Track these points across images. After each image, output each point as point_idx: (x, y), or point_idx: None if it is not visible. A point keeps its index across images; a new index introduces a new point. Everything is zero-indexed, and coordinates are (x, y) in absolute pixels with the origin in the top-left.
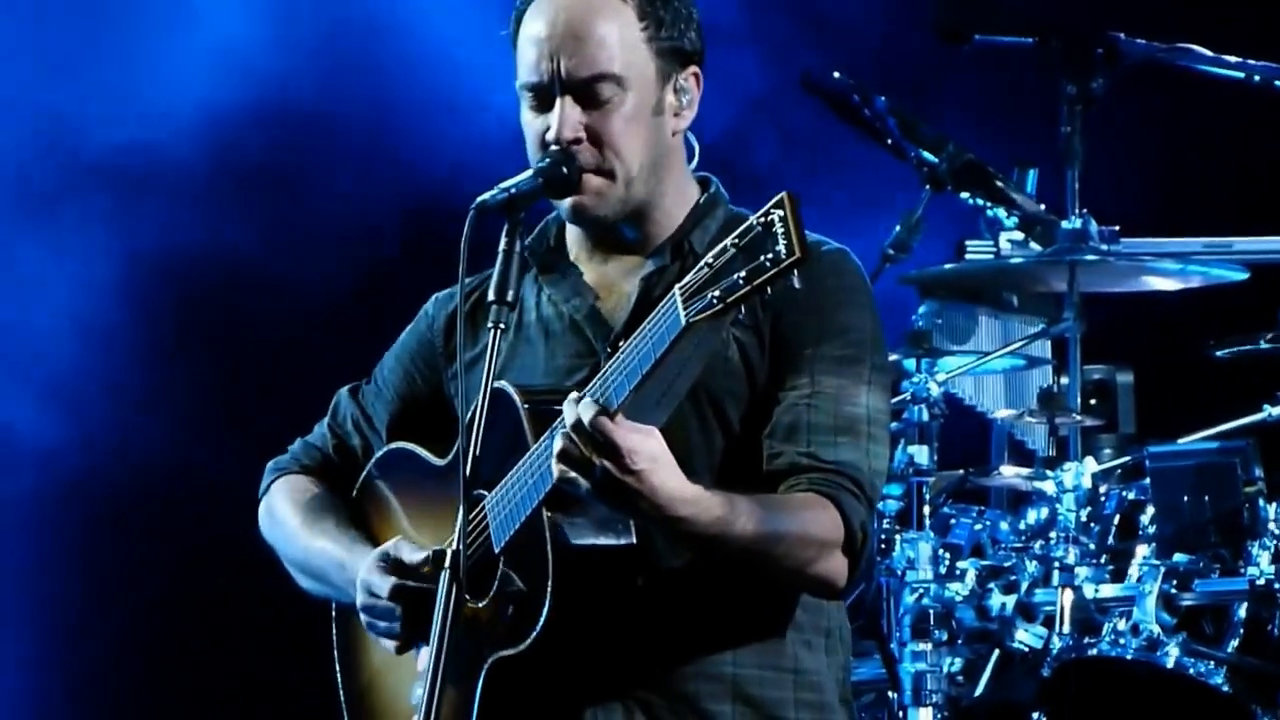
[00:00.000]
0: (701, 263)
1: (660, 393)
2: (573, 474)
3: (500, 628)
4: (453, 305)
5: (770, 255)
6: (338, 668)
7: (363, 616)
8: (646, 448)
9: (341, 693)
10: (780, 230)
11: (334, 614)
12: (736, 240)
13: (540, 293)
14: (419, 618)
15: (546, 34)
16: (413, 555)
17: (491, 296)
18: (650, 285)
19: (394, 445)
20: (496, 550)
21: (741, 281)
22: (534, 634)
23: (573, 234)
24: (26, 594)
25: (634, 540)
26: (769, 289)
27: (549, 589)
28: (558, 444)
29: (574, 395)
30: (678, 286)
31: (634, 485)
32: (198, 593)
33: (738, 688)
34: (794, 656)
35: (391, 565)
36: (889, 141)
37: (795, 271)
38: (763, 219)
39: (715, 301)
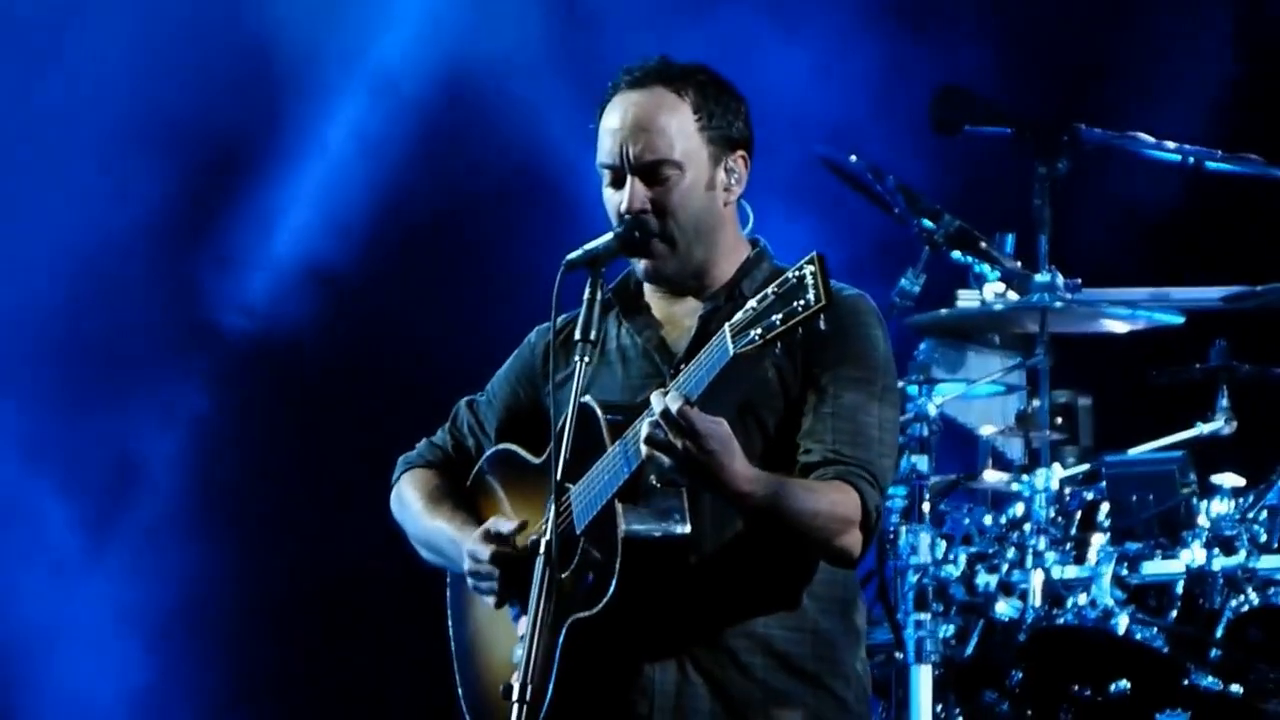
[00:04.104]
0: (747, 305)
1: (715, 406)
2: (658, 453)
3: (579, 594)
4: (550, 336)
5: (802, 302)
6: (450, 623)
7: (469, 579)
8: (720, 432)
9: (452, 643)
10: (811, 282)
11: (449, 580)
12: (776, 289)
13: (620, 326)
14: (512, 579)
15: (618, 126)
16: (507, 526)
17: (578, 335)
18: (707, 321)
19: (500, 446)
20: (578, 531)
21: (779, 322)
22: (605, 600)
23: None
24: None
25: (688, 528)
26: (800, 329)
27: (617, 565)
28: (646, 429)
29: (659, 391)
30: (728, 324)
31: (709, 463)
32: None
33: (768, 644)
34: (814, 620)
35: (493, 537)
36: (896, 211)
37: (822, 316)
38: (797, 273)
39: (757, 338)
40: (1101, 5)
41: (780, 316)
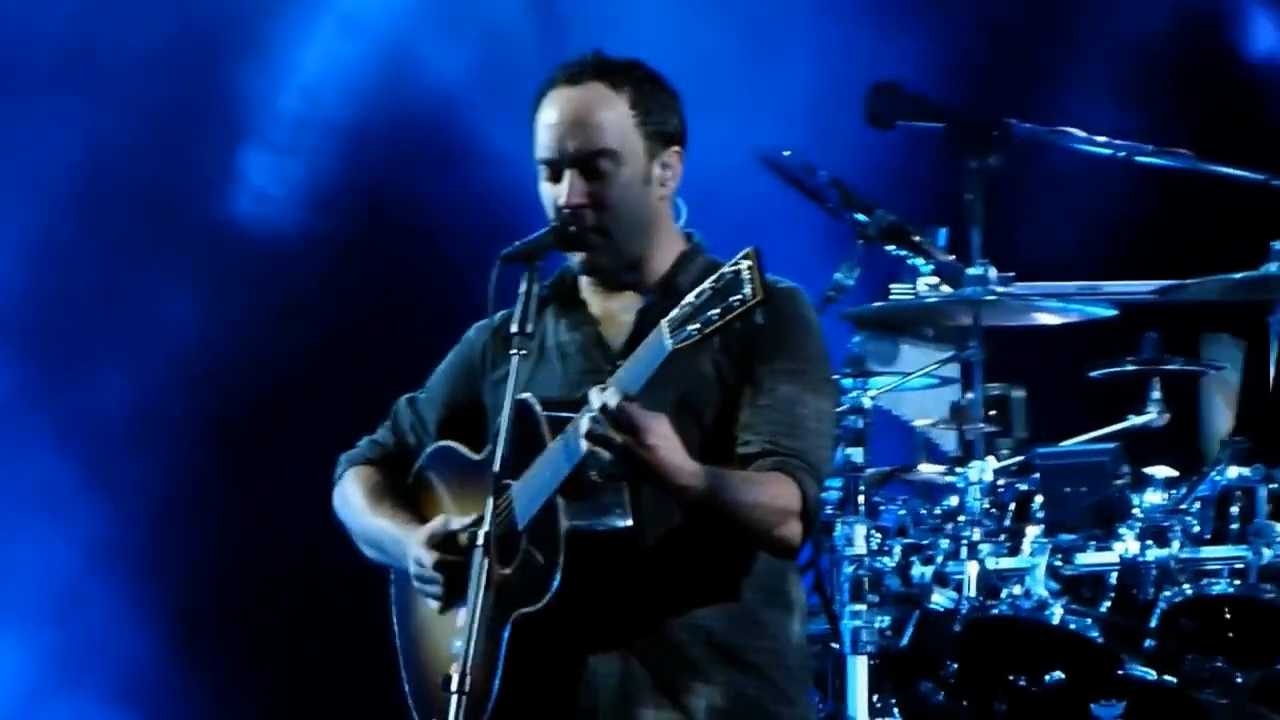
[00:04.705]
0: (684, 301)
1: (654, 400)
2: (598, 449)
3: (522, 590)
4: (488, 333)
5: (739, 297)
6: (394, 619)
7: (413, 582)
8: (659, 427)
9: (396, 639)
10: (747, 277)
11: (392, 577)
12: (713, 284)
13: (558, 323)
14: (457, 583)
15: (557, 120)
16: (455, 524)
17: (514, 329)
18: (644, 317)
19: (440, 443)
20: (520, 528)
21: (716, 316)
22: (549, 595)
23: (583, 276)
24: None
25: (630, 522)
26: (737, 323)
27: (560, 559)
28: (585, 425)
29: (598, 386)
30: (665, 320)
31: (648, 458)
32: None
33: (711, 636)
34: (756, 613)
35: (438, 540)
36: (830, 206)
37: (759, 310)
38: (733, 268)
39: (694, 333)
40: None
41: (717, 311)
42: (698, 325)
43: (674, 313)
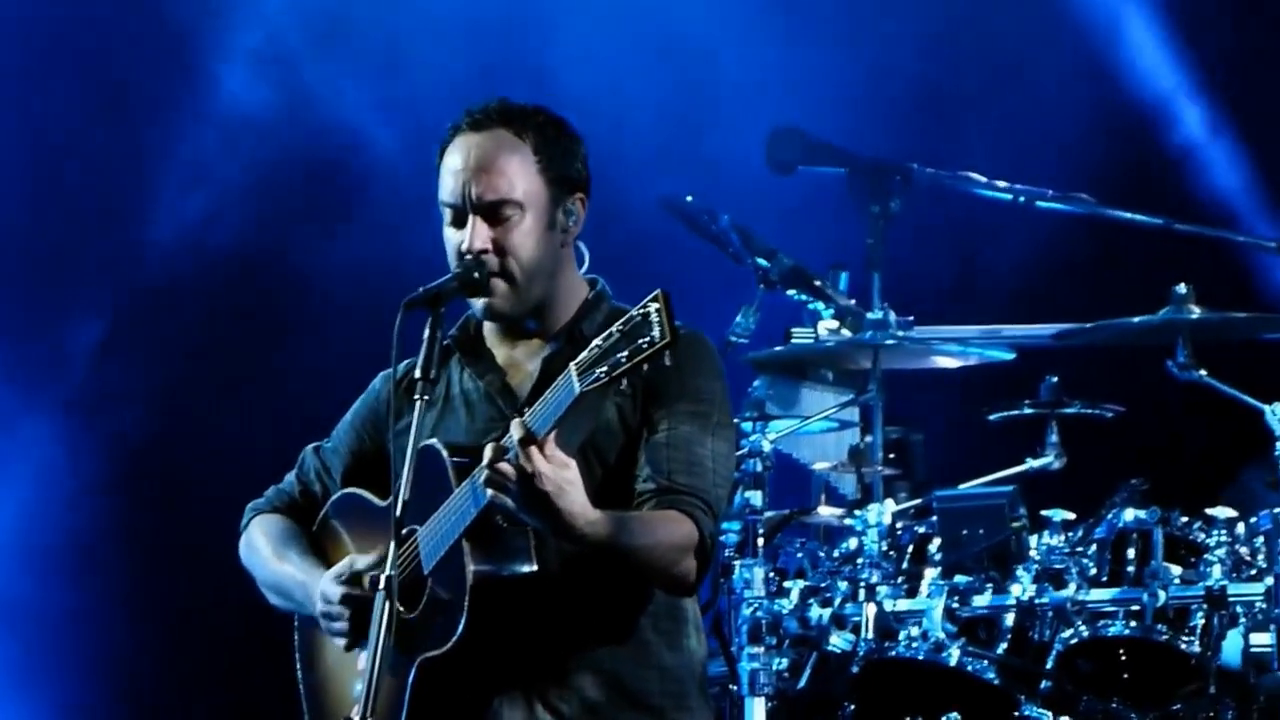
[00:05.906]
0: (593, 344)
1: (561, 443)
2: (499, 495)
3: (428, 633)
4: (392, 380)
5: (647, 339)
6: (298, 667)
7: (321, 620)
8: (562, 473)
9: (301, 686)
10: (655, 320)
11: (296, 624)
12: (621, 327)
13: (462, 371)
14: (363, 621)
15: (461, 166)
16: (360, 563)
17: (418, 375)
18: (549, 364)
19: (346, 490)
20: (426, 572)
21: (624, 359)
22: (454, 639)
23: (487, 324)
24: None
25: (535, 567)
26: (645, 366)
27: (466, 603)
28: (484, 475)
29: (492, 443)
30: (573, 363)
31: (546, 504)
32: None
33: (614, 679)
34: (658, 655)
35: (344, 578)
36: (731, 250)
37: (667, 352)
38: (642, 310)
39: (603, 376)
40: (950, 44)
41: (626, 354)
42: (606, 368)
43: (582, 355)
